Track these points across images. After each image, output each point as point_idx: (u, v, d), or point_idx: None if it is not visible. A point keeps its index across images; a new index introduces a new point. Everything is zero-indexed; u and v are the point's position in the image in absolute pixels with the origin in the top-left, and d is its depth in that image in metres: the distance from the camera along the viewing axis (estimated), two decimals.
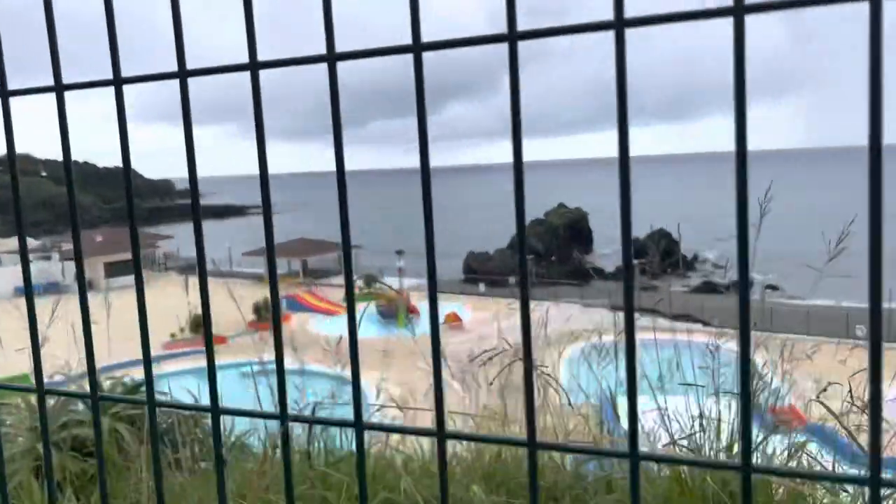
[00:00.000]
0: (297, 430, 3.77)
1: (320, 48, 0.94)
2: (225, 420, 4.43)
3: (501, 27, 0.83)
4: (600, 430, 3.90)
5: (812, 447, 3.16)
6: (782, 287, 41.94)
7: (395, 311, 38.87)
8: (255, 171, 1.02)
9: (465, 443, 3.67)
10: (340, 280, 51.06)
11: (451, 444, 3.81)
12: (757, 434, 2.95)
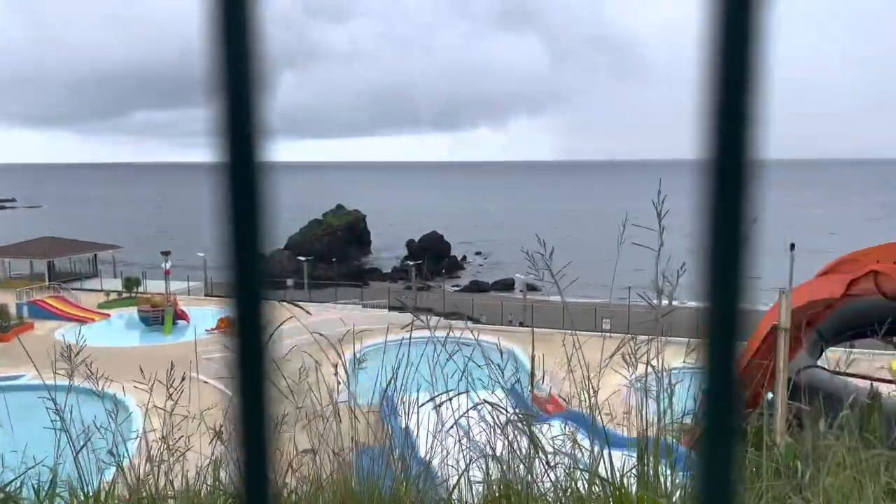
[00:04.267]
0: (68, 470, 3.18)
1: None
2: None
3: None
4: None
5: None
6: (541, 286, 45.35)
7: (160, 317, 36.01)
8: None
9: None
10: (94, 284, 45.69)
11: None
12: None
